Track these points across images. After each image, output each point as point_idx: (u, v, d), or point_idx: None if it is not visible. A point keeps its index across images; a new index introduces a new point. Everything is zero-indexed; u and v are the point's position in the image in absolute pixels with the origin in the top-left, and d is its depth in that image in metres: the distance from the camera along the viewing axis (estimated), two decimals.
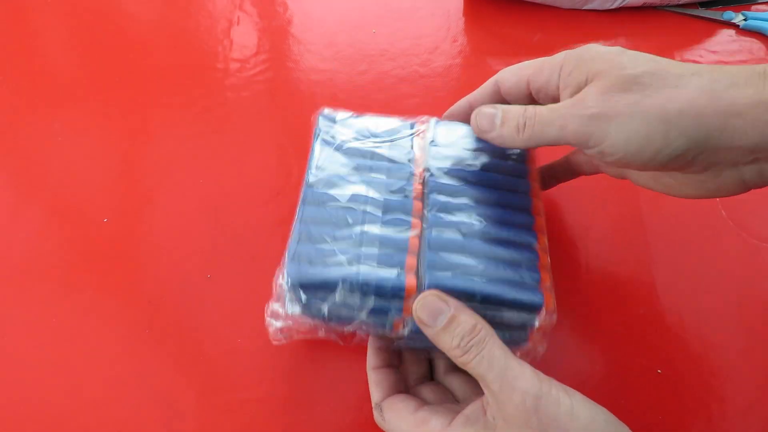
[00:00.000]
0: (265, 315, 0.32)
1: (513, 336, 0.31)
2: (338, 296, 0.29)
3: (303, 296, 0.30)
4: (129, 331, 0.38)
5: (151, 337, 0.37)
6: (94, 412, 0.35)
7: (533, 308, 0.30)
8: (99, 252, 0.41)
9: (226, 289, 0.39)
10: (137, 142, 0.46)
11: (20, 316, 0.38)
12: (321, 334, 0.33)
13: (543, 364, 0.37)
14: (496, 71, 0.33)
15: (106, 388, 0.36)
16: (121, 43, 0.51)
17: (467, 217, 0.32)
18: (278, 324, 0.32)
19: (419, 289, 0.29)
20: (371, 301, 0.29)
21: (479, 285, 0.29)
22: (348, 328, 0.31)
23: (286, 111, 0.47)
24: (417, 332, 0.30)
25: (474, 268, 0.30)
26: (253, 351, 0.37)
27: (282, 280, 0.30)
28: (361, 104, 0.47)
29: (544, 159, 0.38)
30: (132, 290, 0.39)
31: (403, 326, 0.30)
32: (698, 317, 0.38)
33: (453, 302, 0.28)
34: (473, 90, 0.35)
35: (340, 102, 0.47)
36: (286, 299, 0.30)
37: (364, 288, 0.29)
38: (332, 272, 0.29)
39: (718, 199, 0.42)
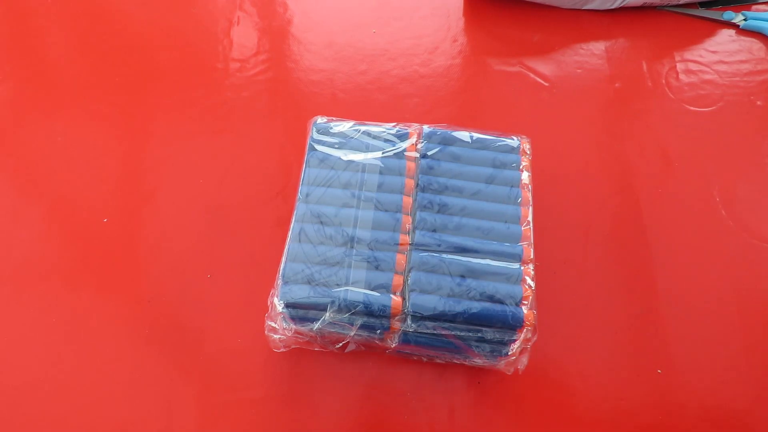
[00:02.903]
0: (264, 328, 0.33)
1: (494, 350, 0.32)
2: (329, 316, 0.31)
3: (296, 316, 0.32)
4: (129, 331, 0.38)
5: (151, 336, 0.38)
6: (94, 411, 0.35)
7: (514, 326, 0.31)
8: (99, 252, 0.41)
9: (226, 289, 0.39)
10: (137, 142, 0.46)
11: (20, 316, 0.38)
12: (316, 348, 0.35)
13: (545, 365, 0.37)
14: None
15: (106, 388, 0.36)
16: (121, 43, 0.51)
17: (455, 233, 0.33)
18: (276, 336, 0.33)
19: (404, 308, 0.31)
20: (360, 320, 0.31)
21: (461, 306, 0.31)
22: (341, 342, 0.33)
23: (286, 111, 0.47)
24: (405, 342, 0.32)
25: (458, 287, 0.31)
26: (253, 351, 0.37)
27: (276, 300, 0.32)
28: (361, 104, 0.47)
29: (542, 162, 0.38)
30: (132, 290, 0.39)
31: (392, 340, 0.32)
32: (698, 317, 0.38)
33: None
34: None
35: (340, 102, 0.47)
36: (281, 318, 0.32)
37: (352, 308, 0.31)
38: (322, 294, 0.31)
39: (717, 198, 0.42)
